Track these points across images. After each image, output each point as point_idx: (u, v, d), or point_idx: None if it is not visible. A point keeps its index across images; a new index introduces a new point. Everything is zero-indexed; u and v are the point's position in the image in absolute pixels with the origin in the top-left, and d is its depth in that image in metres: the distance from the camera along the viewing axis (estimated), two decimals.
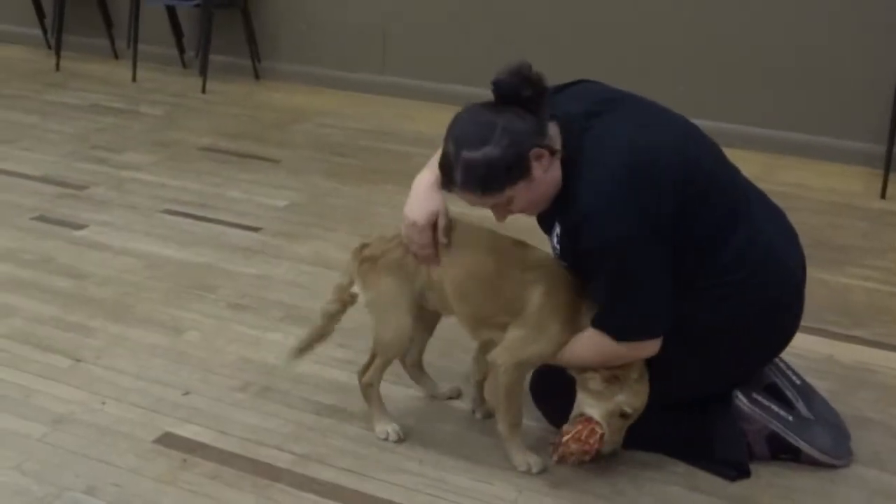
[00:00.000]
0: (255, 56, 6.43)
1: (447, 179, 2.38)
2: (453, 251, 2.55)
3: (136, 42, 6.34)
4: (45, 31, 7.02)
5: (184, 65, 6.70)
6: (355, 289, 2.67)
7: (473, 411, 2.81)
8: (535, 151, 2.27)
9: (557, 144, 2.33)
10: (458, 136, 2.32)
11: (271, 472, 2.57)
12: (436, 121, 5.51)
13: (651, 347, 2.40)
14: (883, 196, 4.55)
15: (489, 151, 2.26)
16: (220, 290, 3.55)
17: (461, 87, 5.85)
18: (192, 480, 2.54)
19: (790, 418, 2.60)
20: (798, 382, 2.71)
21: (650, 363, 2.46)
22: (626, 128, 2.37)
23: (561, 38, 5.53)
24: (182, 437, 2.71)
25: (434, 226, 2.52)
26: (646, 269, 2.32)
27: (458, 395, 2.90)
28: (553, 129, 2.34)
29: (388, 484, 2.53)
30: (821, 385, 2.82)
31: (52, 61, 6.61)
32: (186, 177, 4.70)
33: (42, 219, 4.15)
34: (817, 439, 2.60)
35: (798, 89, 5.04)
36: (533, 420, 2.74)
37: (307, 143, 5.28)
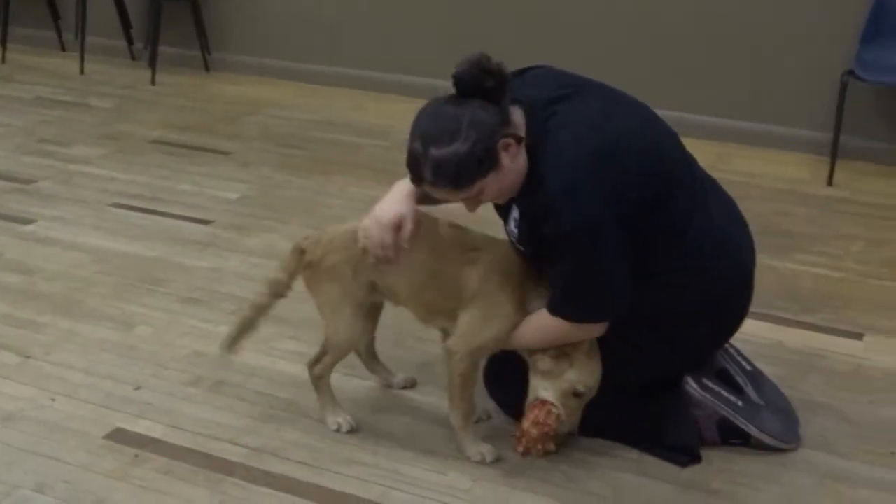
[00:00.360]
0: (204, 47, 6.38)
1: (416, 177, 2.33)
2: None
3: (83, 34, 6.28)
4: None
5: (133, 57, 6.63)
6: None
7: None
8: (502, 142, 2.26)
9: (522, 131, 2.32)
10: (423, 133, 2.29)
11: (224, 467, 2.56)
12: (387, 111, 5.61)
13: (601, 328, 2.42)
14: (830, 183, 4.60)
15: (458, 148, 2.23)
16: (170, 284, 3.52)
17: (412, 78, 5.86)
18: (144, 476, 2.52)
19: (740, 403, 2.63)
20: (748, 368, 2.74)
21: (605, 348, 2.48)
22: (590, 114, 2.37)
23: (512, 26, 5.54)
24: (133, 432, 2.69)
25: (398, 228, 2.48)
26: (608, 254, 2.32)
27: (412, 384, 2.90)
28: (517, 115, 2.33)
29: (343, 476, 2.53)
30: (770, 370, 2.86)
31: None
32: (136, 170, 4.66)
33: None
34: (767, 424, 2.63)
35: (747, 79, 5.08)
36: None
37: (258, 134, 5.25)
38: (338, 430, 2.68)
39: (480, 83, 2.26)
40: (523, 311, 2.47)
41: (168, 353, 3.07)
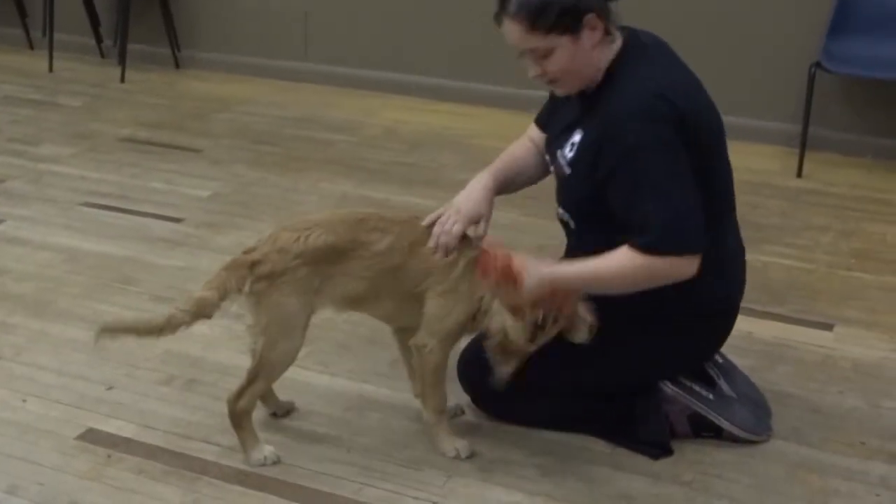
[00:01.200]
0: (174, 44, 6.34)
1: (500, 7, 2.36)
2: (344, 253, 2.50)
3: (51, 31, 6.23)
4: None
5: (102, 54, 6.59)
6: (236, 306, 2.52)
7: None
8: (591, 17, 2.29)
9: (613, 47, 2.37)
10: None
11: (198, 466, 2.56)
12: (359, 107, 5.60)
13: (689, 265, 2.30)
14: (799, 175, 4.63)
15: None
16: (142, 283, 3.51)
17: (384, 73, 5.86)
18: (117, 476, 2.51)
19: (711, 397, 2.65)
20: (720, 361, 2.76)
21: (584, 354, 2.46)
22: (672, 68, 2.40)
23: (479, 23, 5.54)
24: (106, 432, 2.69)
25: (474, 224, 2.55)
26: (679, 174, 2.29)
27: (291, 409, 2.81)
28: (616, 38, 2.38)
29: (317, 473, 2.53)
30: (740, 362, 2.87)
31: None
32: (106, 168, 4.64)
33: None
34: (738, 417, 2.65)
35: (715, 70, 5.09)
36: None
37: (229, 132, 5.23)
38: (264, 464, 2.55)
39: None
40: (476, 284, 2.46)
41: (140, 353, 3.05)
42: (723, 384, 2.70)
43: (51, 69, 6.25)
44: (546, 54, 2.34)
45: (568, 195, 2.53)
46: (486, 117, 5.40)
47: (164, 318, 2.44)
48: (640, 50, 2.41)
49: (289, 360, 2.55)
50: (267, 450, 2.57)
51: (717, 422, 2.64)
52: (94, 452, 2.60)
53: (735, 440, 2.65)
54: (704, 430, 2.65)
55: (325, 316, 2.67)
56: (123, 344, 3.06)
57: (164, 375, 2.95)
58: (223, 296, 2.44)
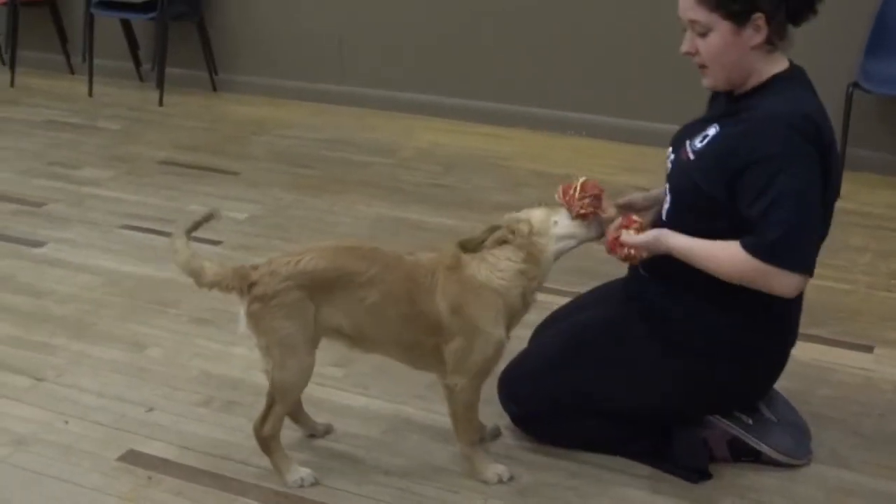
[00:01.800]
0: (212, 68, 6.41)
1: None
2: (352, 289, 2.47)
3: (91, 56, 6.31)
4: None
5: (140, 78, 6.66)
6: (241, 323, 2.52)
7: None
8: (759, 17, 2.31)
9: (781, 63, 2.40)
10: None
11: (237, 487, 2.57)
12: (395, 129, 5.62)
13: (790, 282, 2.31)
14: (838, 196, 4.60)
15: None
16: (181, 305, 3.54)
17: (419, 96, 5.89)
18: (158, 498, 2.53)
19: (750, 422, 2.63)
20: None
21: (631, 376, 2.50)
22: (816, 103, 2.39)
23: (516, 45, 5.56)
24: (146, 454, 2.71)
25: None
26: (811, 192, 2.28)
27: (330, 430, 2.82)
28: (781, 58, 2.42)
29: (355, 495, 2.54)
30: (780, 385, 2.84)
31: (7, 77, 6.56)
32: (145, 191, 4.69)
33: (0, 237, 4.12)
34: (778, 441, 2.63)
35: None
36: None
37: (267, 154, 5.27)
38: (302, 486, 2.56)
39: None
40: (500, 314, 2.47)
41: (179, 374, 3.08)
42: (763, 408, 2.68)
43: (90, 93, 6.33)
44: (704, 32, 2.36)
45: (677, 181, 2.51)
46: (521, 139, 5.41)
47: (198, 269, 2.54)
48: (800, 79, 2.43)
49: (300, 380, 2.53)
50: (303, 471, 2.58)
51: (756, 446, 2.62)
52: (134, 474, 2.62)
53: (775, 464, 2.64)
54: (744, 454, 2.63)
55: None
56: (162, 366, 3.12)
57: (202, 397, 2.97)
58: (215, 284, 2.51)
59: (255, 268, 2.50)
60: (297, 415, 2.74)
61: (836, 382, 3.08)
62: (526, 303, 2.51)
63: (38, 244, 4.05)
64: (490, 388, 2.77)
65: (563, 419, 2.66)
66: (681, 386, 2.55)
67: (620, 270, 2.77)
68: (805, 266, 2.30)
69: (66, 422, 2.84)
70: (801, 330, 3.28)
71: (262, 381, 2.97)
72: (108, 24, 6.38)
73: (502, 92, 5.65)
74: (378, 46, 6.00)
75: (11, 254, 3.96)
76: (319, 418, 2.79)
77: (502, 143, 5.36)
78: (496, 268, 2.46)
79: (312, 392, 2.75)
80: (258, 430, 2.54)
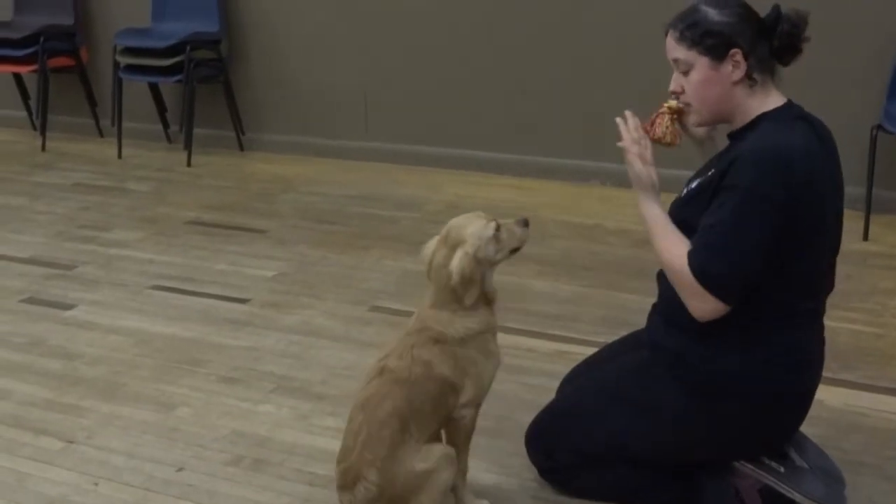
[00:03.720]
0: (238, 128, 6.48)
1: (675, 17, 2.50)
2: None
3: (119, 119, 6.40)
4: (30, 113, 7.08)
5: (168, 140, 6.75)
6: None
7: None
8: (736, 52, 2.40)
9: (766, 98, 2.46)
10: None
11: None
12: (421, 183, 5.66)
13: (703, 301, 2.36)
14: (865, 238, 4.59)
15: (711, 13, 2.43)
16: (209, 364, 3.55)
17: (446, 149, 5.92)
18: None
19: (782, 470, 2.60)
20: None
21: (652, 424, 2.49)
22: (799, 136, 2.41)
23: (538, 97, 5.59)
24: None
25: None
26: (758, 233, 2.32)
27: None
28: (774, 93, 2.48)
29: None
30: (812, 431, 2.82)
31: (39, 142, 6.67)
32: (174, 251, 4.73)
33: (31, 301, 4.16)
34: (811, 488, 2.59)
35: None
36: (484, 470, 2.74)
37: (293, 212, 5.31)
38: None
39: (778, 23, 2.43)
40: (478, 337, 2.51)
41: (208, 434, 3.09)
42: (794, 455, 2.65)
43: (120, 156, 6.42)
44: (686, 69, 2.48)
45: (677, 212, 2.57)
46: (547, 190, 5.43)
47: None
48: (789, 115, 2.46)
49: None
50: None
51: (789, 495, 2.58)
52: None
53: None
54: (777, 503, 2.60)
55: None
56: (191, 425, 3.13)
57: (232, 456, 2.97)
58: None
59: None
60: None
61: (869, 427, 3.05)
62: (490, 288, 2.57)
63: (68, 307, 4.09)
64: (517, 441, 2.76)
65: (592, 470, 2.64)
66: (708, 430, 2.53)
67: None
68: (728, 298, 2.35)
69: (96, 483, 2.85)
70: (832, 375, 3.29)
71: (291, 438, 2.99)
72: (136, 87, 6.49)
73: (527, 143, 5.67)
74: (402, 101, 6.05)
75: (43, 317, 3.99)
76: None
77: (528, 195, 5.38)
78: (458, 322, 2.50)
79: None
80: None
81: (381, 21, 6.01)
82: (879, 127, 4.59)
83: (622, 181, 5.43)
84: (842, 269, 4.18)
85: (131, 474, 2.89)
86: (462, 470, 2.59)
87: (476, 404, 2.56)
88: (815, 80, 4.99)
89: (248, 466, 2.92)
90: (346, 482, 2.43)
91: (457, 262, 2.46)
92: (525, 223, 2.58)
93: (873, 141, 4.58)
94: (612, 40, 5.38)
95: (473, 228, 2.51)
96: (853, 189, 4.80)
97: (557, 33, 5.56)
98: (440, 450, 2.47)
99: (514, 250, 2.57)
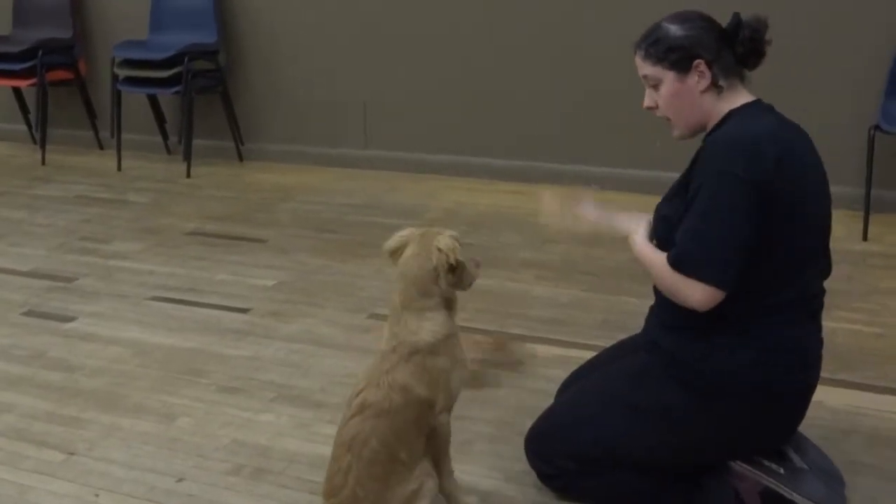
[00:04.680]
0: (237, 138, 6.50)
1: (640, 37, 2.56)
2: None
3: (119, 132, 6.42)
4: (29, 126, 7.10)
5: (168, 151, 6.77)
6: None
7: None
8: (699, 63, 2.46)
9: (735, 99, 2.50)
10: (678, 14, 2.53)
11: None
12: (420, 191, 5.66)
13: (699, 293, 2.37)
14: (864, 238, 4.59)
15: (673, 29, 2.49)
16: (210, 374, 3.56)
17: (443, 157, 5.94)
18: None
19: (782, 472, 2.60)
20: None
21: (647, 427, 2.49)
22: (770, 124, 2.45)
23: (536, 103, 5.60)
24: None
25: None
26: (731, 212, 2.35)
27: None
28: (741, 91, 2.52)
29: None
30: (812, 431, 2.82)
31: (38, 155, 6.69)
32: (174, 262, 4.73)
33: (32, 313, 4.17)
34: (811, 489, 2.59)
35: None
36: (484, 476, 2.74)
37: (293, 221, 5.32)
38: None
39: (740, 29, 2.47)
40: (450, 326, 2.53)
41: (209, 444, 3.09)
42: (794, 456, 2.65)
43: (119, 168, 6.43)
44: (656, 84, 2.53)
45: (659, 209, 2.62)
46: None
47: None
48: (755, 108, 2.50)
49: None
50: None
51: (789, 496, 2.58)
52: None
53: None
54: None
55: None
56: (192, 436, 3.13)
57: (232, 465, 2.97)
58: None
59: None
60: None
61: (869, 428, 3.04)
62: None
63: (68, 319, 4.09)
64: (517, 447, 2.77)
65: (592, 475, 2.64)
66: (706, 430, 2.53)
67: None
68: (713, 278, 2.36)
69: (97, 495, 2.85)
70: (831, 375, 3.29)
71: (292, 446, 2.99)
72: (135, 99, 6.51)
73: (525, 149, 5.68)
74: (401, 109, 6.07)
75: (44, 330, 4.00)
76: None
77: (528, 200, 5.38)
78: (426, 326, 2.51)
79: None
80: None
81: (379, 30, 6.02)
82: (877, 127, 4.59)
83: (620, 185, 5.45)
84: (842, 269, 4.22)
85: (132, 485, 2.89)
86: (449, 471, 2.59)
87: (448, 409, 2.54)
88: (813, 80, 5.03)
89: (249, 475, 2.92)
90: None
91: (447, 239, 2.52)
92: (478, 265, 2.62)
93: (871, 141, 4.59)
94: (611, 49, 5.38)
95: (448, 234, 2.56)
96: (852, 189, 4.86)
97: (556, 42, 5.57)
98: (419, 467, 2.47)
99: (464, 284, 2.57)
